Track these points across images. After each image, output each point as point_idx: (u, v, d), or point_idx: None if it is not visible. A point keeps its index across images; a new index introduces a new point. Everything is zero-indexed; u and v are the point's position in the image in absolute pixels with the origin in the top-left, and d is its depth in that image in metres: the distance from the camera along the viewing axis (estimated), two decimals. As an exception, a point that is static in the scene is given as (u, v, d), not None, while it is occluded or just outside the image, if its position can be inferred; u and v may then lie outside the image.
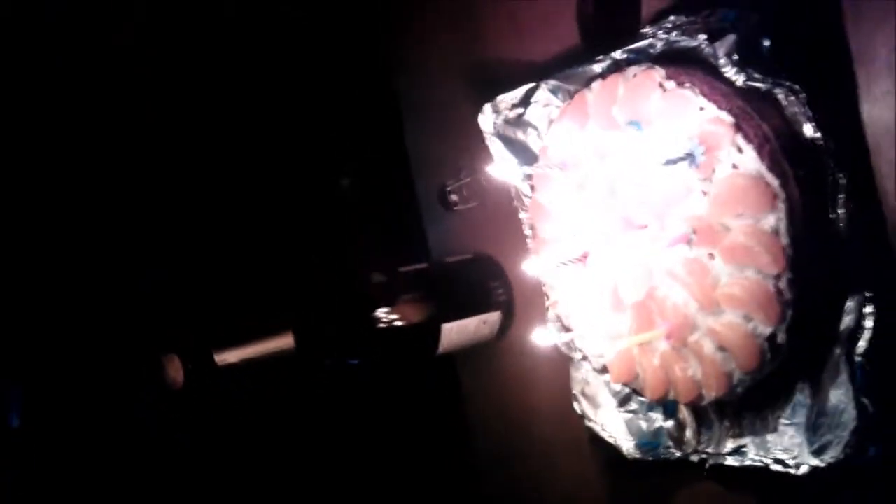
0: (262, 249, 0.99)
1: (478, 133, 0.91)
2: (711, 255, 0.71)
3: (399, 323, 0.91)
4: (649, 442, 0.84)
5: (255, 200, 1.00)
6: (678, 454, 0.81)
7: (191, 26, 0.98)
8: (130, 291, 0.92)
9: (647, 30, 0.76)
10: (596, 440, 0.87)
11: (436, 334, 0.93)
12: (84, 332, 0.91)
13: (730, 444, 0.77)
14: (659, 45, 0.75)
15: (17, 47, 0.92)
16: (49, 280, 0.91)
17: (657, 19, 0.76)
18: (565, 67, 0.83)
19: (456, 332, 0.94)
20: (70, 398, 0.93)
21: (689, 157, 0.69)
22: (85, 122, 0.95)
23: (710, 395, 0.74)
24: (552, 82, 0.85)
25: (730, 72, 0.69)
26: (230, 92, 1.00)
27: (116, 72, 0.96)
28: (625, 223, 0.76)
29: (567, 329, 0.86)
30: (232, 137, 0.99)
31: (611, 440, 0.86)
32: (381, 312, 0.91)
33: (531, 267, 0.83)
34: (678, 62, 0.73)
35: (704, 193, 0.70)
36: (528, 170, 0.80)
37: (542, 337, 0.83)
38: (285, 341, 0.87)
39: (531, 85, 0.86)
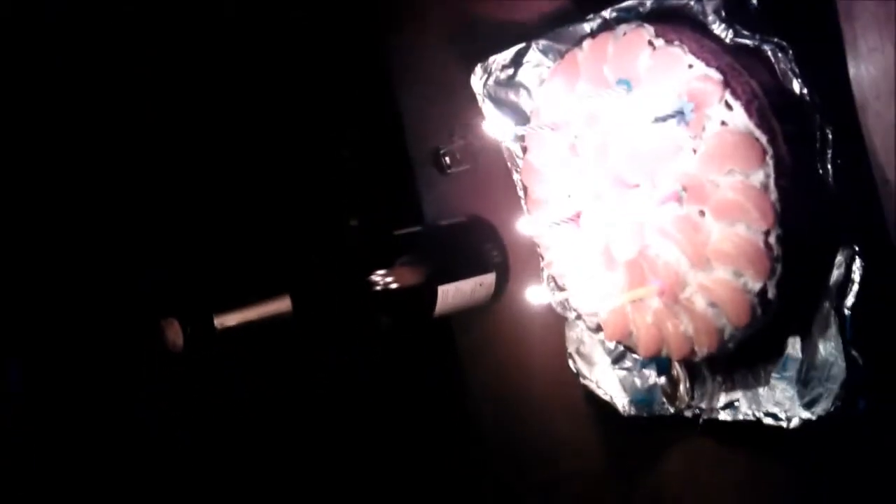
0: (260, 214, 0.99)
1: (471, 95, 0.91)
2: (702, 213, 0.71)
3: (395, 285, 0.92)
4: (644, 398, 0.85)
5: (254, 165, 1.00)
6: (672, 410, 0.82)
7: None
8: (130, 264, 0.93)
9: (637, -13, 0.76)
10: (591, 398, 0.89)
11: (432, 296, 0.93)
12: (83, 300, 0.91)
13: (722, 399, 0.78)
14: (648, 3, 0.75)
15: (16, 47, 0.92)
16: (45, 250, 0.92)
17: (647, -23, 0.75)
18: (556, 27, 0.83)
19: (452, 294, 0.95)
20: (70, 377, 0.94)
21: (679, 114, 0.69)
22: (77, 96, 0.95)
23: (703, 350, 0.75)
24: (543, 42, 0.85)
25: (718, 29, 0.69)
26: (221, 55, 1.00)
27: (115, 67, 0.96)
28: (616, 182, 0.77)
29: (561, 289, 0.86)
30: (228, 100, 0.99)
31: (606, 398, 0.87)
32: (378, 275, 0.91)
33: (525, 227, 0.84)
34: (668, 20, 0.73)
35: (694, 151, 0.71)
36: (520, 130, 0.81)
37: (536, 295, 0.83)
38: (283, 304, 0.87)
39: (521, 45, 0.86)
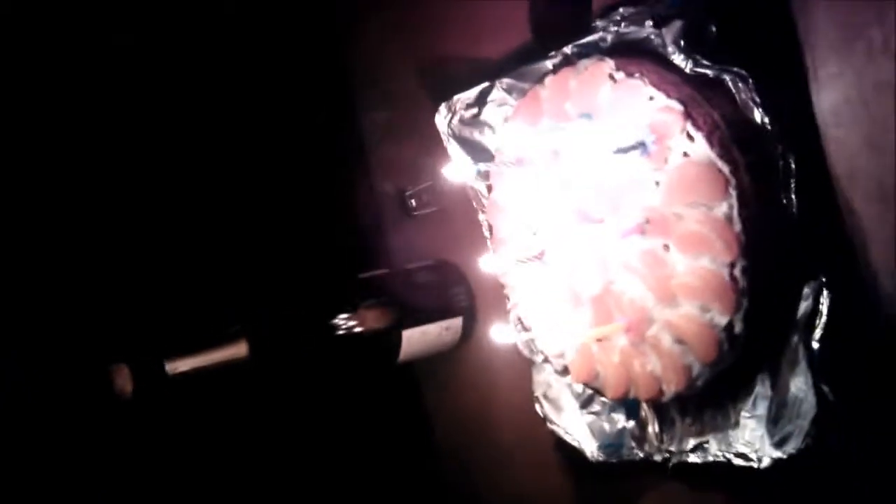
0: (215, 254, 0.96)
1: (437, 135, 0.90)
2: (666, 247, 0.70)
3: (359, 329, 0.90)
4: (612, 443, 0.82)
5: (209, 198, 0.98)
6: (641, 455, 0.79)
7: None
8: (78, 298, 0.90)
9: (598, 23, 0.76)
10: (560, 444, 0.86)
11: (397, 341, 0.91)
12: (28, 340, 0.88)
13: (692, 441, 0.75)
14: (609, 38, 0.75)
15: (16, 47, 0.91)
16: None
17: (607, 13, 0.76)
18: (519, 65, 0.83)
19: (417, 338, 0.92)
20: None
21: (641, 145, 0.68)
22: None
23: (671, 389, 0.73)
24: (507, 81, 0.84)
25: (678, 59, 0.69)
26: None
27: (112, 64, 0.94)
28: (580, 217, 0.75)
29: (527, 330, 0.84)
30: (186, 150, 0.98)
31: (574, 444, 0.84)
32: (341, 319, 0.89)
33: (487, 264, 0.82)
34: (628, 54, 0.73)
35: (657, 184, 0.70)
36: (483, 167, 0.79)
37: (501, 335, 0.81)
38: (239, 350, 0.85)
39: (486, 84, 0.86)
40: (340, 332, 0.89)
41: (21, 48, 0.91)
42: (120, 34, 0.96)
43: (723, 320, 0.68)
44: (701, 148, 0.67)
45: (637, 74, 0.70)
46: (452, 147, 0.89)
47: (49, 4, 0.92)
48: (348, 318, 0.89)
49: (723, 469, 0.73)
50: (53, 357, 0.88)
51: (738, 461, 0.71)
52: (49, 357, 0.88)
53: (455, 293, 0.96)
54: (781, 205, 0.66)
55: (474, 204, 0.89)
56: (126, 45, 0.96)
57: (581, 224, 0.75)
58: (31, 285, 0.89)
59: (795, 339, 0.67)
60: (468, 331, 0.95)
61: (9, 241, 0.88)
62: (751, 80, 0.66)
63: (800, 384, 0.67)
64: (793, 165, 0.65)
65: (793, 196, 0.65)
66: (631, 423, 0.80)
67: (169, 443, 0.92)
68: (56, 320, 0.88)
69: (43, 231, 0.90)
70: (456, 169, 0.88)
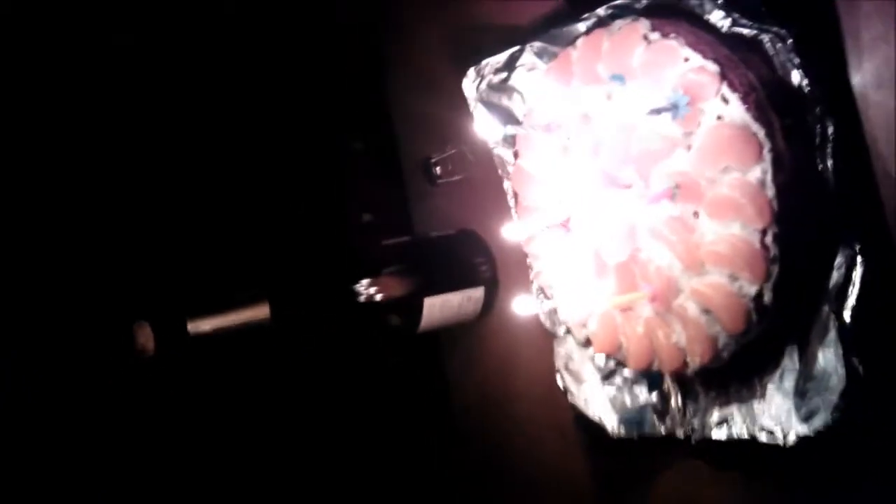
0: (240, 217, 0.96)
1: (463, 102, 0.89)
2: (696, 213, 0.68)
3: (380, 296, 0.89)
4: (634, 418, 0.81)
5: (236, 164, 0.97)
6: (663, 430, 0.78)
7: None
8: (102, 257, 0.90)
9: (633, -16, 0.74)
10: (580, 418, 0.84)
11: (418, 309, 0.90)
12: (53, 297, 0.88)
13: (716, 415, 0.73)
14: (644, -1, 0.73)
15: (16, 47, 0.91)
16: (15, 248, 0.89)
17: (643, -27, 0.74)
18: (550, 28, 0.81)
19: (439, 307, 0.91)
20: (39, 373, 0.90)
21: (674, 107, 0.67)
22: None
23: (695, 361, 0.71)
24: (537, 44, 0.83)
25: (715, 17, 0.67)
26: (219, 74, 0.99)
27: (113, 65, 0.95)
28: (608, 182, 0.74)
29: (550, 299, 0.83)
30: (213, 98, 0.97)
31: (595, 418, 0.83)
32: (363, 285, 0.88)
33: (511, 232, 0.81)
34: (664, 14, 0.71)
35: (688, 148, 0.68)
36: (510, 130, 0.78)
37: (523, 305, 0.80)
38: (261, 311, 0.84)
39: (516, 48, 0.84)
40: (362, 298, 0.88)
41: (21, 48, 0.91)
42: (120, 34, 0.95)
43: (752, 289, 0.66)
44: (736, 110, 0.65)
45: (672, 35, 0.68)
46: (479, 112, 0.87)
47: (49, 4, 0.91)
48: (370, 285, 0.88)
49: (747, 446, 0.71)
50: (76, 312, 0.88)
51: (763, 437, 0.69)
52: (70, 313, 0.88)
53: (478, 263, 0.95)
54: (817, 170, 0.64)
55: (500, 171, 0.88)
56: (126, 45, 0.95)
57: (608, 189, 0.74)
58: (55, 244, 0.89)
59: (826, 309, 0.65)
60: (490, 301, 0.94)
61: (37, 197, 0.89)
62: (790, 41, 0.64)
63: (829, 357, 0.65)
64: (830, 130, 0.63)
65: (829, 161, 0.63)
66: (653, 397, 0.78)
67: (188, 404, 0.92)
68: (82, 278, 0.88)
69: (71, 188, 0.90)
70: (482, 135, 0.86)
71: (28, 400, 0.89)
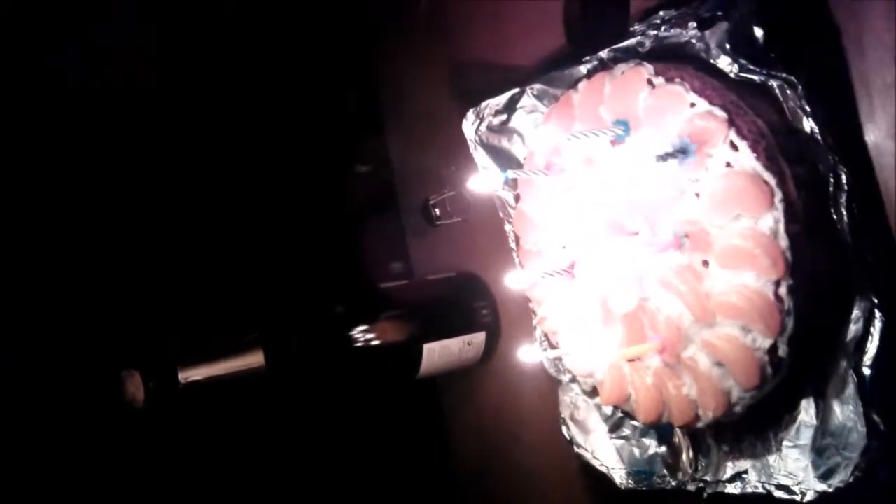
0: (233, 261, 0.94)
1: (463, 144, 0.87)
2: (706, 263, 0.66)
3: (378, 342, 0.86)
4: (643, 470, 0.78)
5: (228, 211, 0.95)
6: (673, 483, 0.75)
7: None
8: (91, 302, 0.87)
9: (636, 27, 0.72)
10: (587, 469, 0.82)
11: (417, 355, 0.88)
12: (41, 344, 0.86)
13: (729, 470, 0.71)
14: (648, 42, 0.71)
15: (16, 47, 0.89)
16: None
17: (646, 16, 0.72)
18: (551, 70, 0.79)
19: (438, 352, 0.89)
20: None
21: (681, 154, 0.64)
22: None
23: (708, 415, 0.68)
24: (537, 87, 0.81)
25: (722, 63, 0.65)
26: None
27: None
28: (614, 229, 0.71)
29: (554, 347, 0.80)
30: (207, 148, 0.95)
31: (602, 468, 0.80)
32: (360, 330, 0.86)
33: (514, 281, 0.78)
34: (667, 59, 0.69)
35: (697, 195, 0.66)
36: (511, 174, 0.76)
37: (526, 352, 0.77)
38: (254, 359, 0.82)
39: (516, 90, 0.82)
40: (359, 344, 0.86)
41: (21, 48, 0.90)
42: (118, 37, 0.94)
43: (766, 342, 0.63)
44: (745, 158, 0.63)
45: (678, 80, 0.66)
46: (479, 154, 0.86)
47: (49, 4, 0.90)
48: (368, 330, 0.86)
49: (761, 501, 0.68)
50: (62, 360, 0.86)
51: (779, 493, 0.67)
52: (55, 359, 0.86)
53: (479, 307, 0.93)
54: (831, 219, 0.62)
55: (501, 214, 0.86)
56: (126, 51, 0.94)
57: (614, 236, 0.71)
58: (42, 286, 0.87)
59: (844, 363, 0.62)
60: (492, 347, 0.92)
61: (21, 242, 0.86)
62: (800, 87, 0.62)
63: (848, 412, 0.62)
64: (844, 178, 0.61)
65: (843, 211, 0.61)
66: (663, 449, 0.76)
67: (180, 453, 0.89)
68: (68, 323, 0.86)
69: (56, 232, 0.88)
70: (483, 177, 0.84)
71: (28, 400, 0.86)
